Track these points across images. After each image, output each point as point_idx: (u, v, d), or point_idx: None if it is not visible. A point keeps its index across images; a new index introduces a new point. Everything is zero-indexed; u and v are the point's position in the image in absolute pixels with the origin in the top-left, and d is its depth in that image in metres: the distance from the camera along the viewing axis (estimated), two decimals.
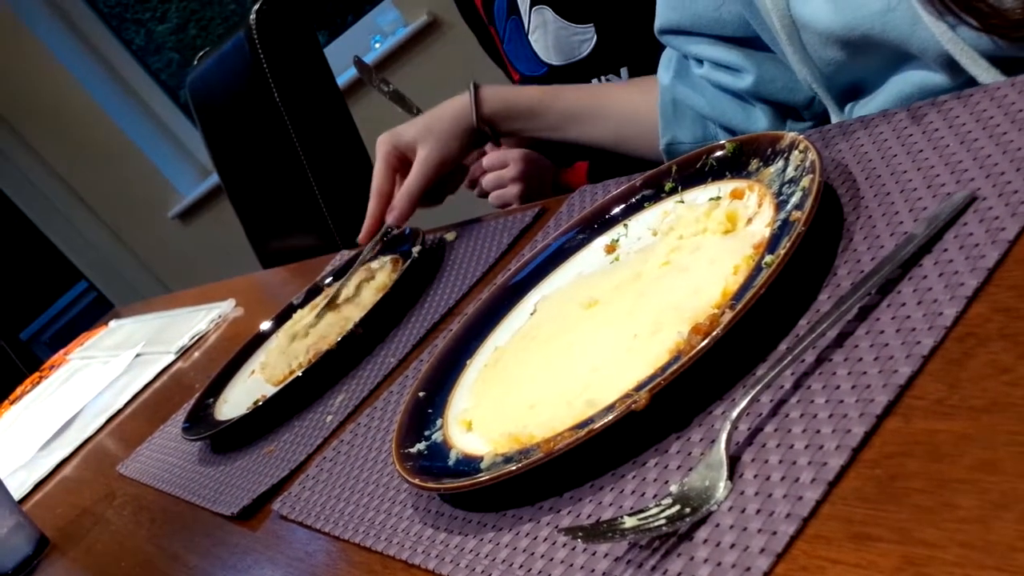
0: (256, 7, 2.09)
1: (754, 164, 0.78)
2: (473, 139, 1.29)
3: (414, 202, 1.26)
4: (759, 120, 1.07)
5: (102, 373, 1.98)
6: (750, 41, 1.05)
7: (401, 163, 1.29)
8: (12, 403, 2.33)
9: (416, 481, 0.71)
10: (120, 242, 4.56)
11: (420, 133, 1.28)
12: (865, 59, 0.84)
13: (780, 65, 1.03)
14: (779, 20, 0.88)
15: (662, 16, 1.13)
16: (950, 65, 0.76)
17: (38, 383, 2.34)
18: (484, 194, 1.71)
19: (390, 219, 1.26)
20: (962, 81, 0.77)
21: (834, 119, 0.96)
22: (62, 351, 2.55)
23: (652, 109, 1.19)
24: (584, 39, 1.54)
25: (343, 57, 3.75)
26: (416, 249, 1.22)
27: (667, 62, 1.16)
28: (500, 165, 1.66)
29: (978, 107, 0.68)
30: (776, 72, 1.05)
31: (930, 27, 0.73)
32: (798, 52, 0.90)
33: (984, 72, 0.73)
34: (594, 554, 0.57)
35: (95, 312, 4.30)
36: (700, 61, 1.11)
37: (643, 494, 0.59)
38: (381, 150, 1.30)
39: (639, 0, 1.30)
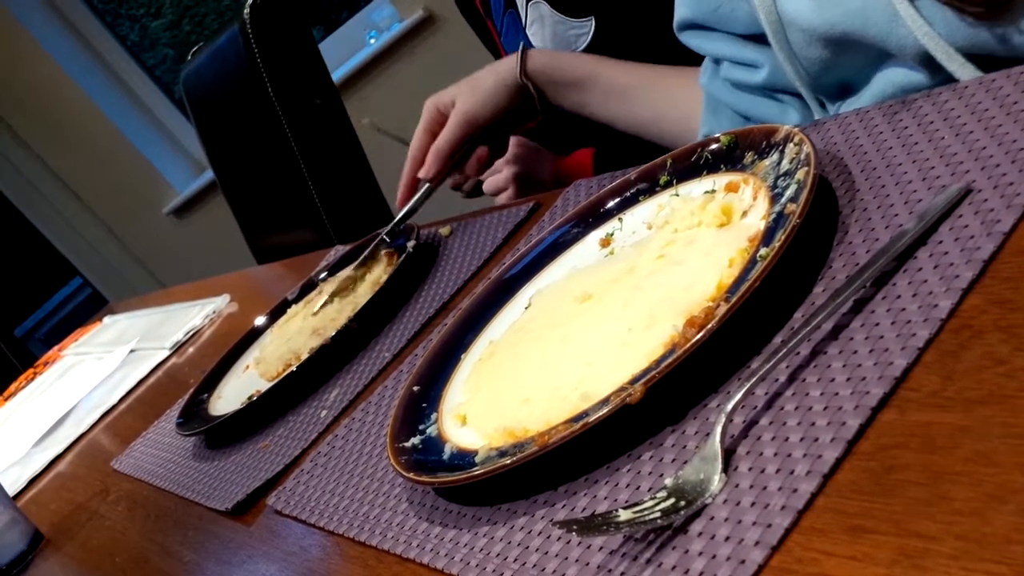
0: (250, 2, 2.09)
1: (749, 157, 0.78)
2: (516, 101, 1.26)
3: (443, 157, 1.24)
4: (791, 113, 1.06)
5: (96, 369, 1.97)
6: (762, 36, 1.05)
7: (439, 124, 1.27)
8: (7, 399, 2.32)
9: (410, 475, 0.71)
10: (115, 238, 4.55)
11: (460, 89, 1.27)
12: (848, 58, 0.84)
13: None
14: (766, 16, 0.88)
15: (678, 14, 1.13)
16: (928, 63, 0.76)
17: (32, 379, 2.34)
18: (471, 193, 1.72)
19: (420, 173, 1.25)
20: (940, 80, 0.76)
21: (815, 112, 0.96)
22: (56, 347, 2.54)
23: (691, 97, 1.18)
24: (581, 33, 1.54)
25: (338, 52, 3.77)
26: (411, 244, 1.21)
27: (704, 66, 1.16)
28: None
29: (973, 99, 0.68)
30: None
31: (907, 22, 0.72)
32: (783, 50, 0.90)
33: (960, 68, 0.73)
34: (589, 547, 0.57)
35: (90, 308, 4.29)
36: (718, 61, 1.11)
37: (638, 487, 0.59)
38: (424, 114, 1.28)
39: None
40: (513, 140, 1.64)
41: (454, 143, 1.25)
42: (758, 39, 1.04)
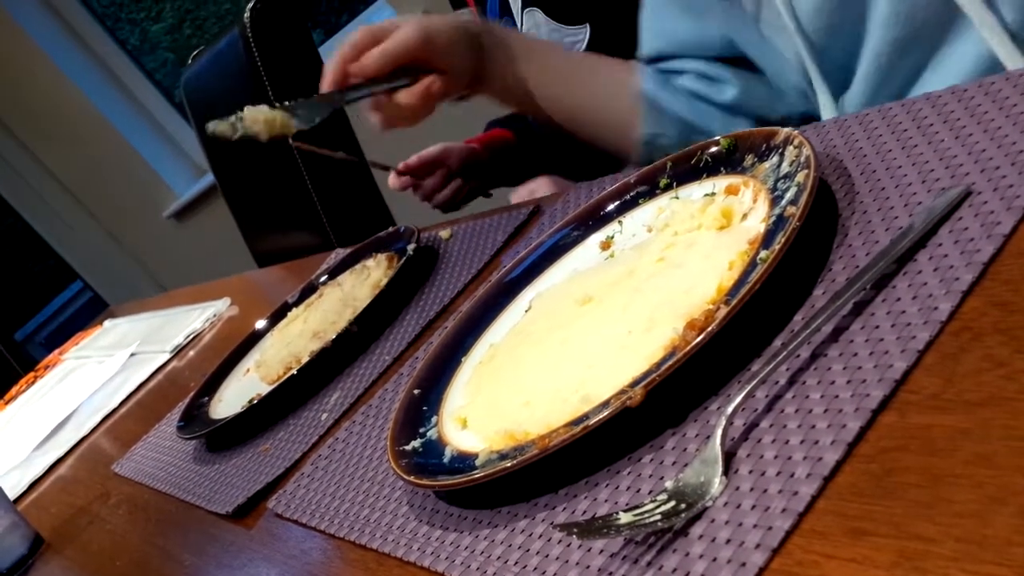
0: (250, 6, 2.09)
1: (749, 160, 0.78)
2: (463, 46, 1.11)
3: (339, 62, 1.08)
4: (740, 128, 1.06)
5: (97, 372, 1.98)
6: (734, 60, 1.05)
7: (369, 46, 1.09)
8: (7, 403, 2.32)
9: (411, 479, 0.71)
10: (115, 242, 4.55)
11: (415, 19, 1.10)
12: (854, 28, 0.84)
13: (763, 81, 1.04)
14: None
15: (647, 45, 1.14)
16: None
17: (33, 383, 2.34)
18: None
19: (323, 84, 1.10)
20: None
21: (824, 106, 0.96)
22: (57, 351, 2.54)
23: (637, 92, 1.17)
24: (576, 40, 1.54)
25: None
26: (411, 247, 1.21)
27: (646, 73, 1.16)
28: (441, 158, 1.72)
29: (972, 101, 0.68)
30: (759, 88, 1.05)
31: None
32: (792, 21, 0.89)
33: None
34: (589, 551, 0.57)
35: (90, 312, 4.30)
36: (680, 72, 1.11)
37: (638, 490, 0.59)
38: (358, 35, 1.09)
39: (630, 1, 1.29)
40: (437, 152, 1.71)
41: (357, 49, 1.08)
42: (730, 61, 1.05)
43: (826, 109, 0.96)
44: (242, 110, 1.04)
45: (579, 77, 1.21)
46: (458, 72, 1.11)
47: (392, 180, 1.84)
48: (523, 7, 1.60)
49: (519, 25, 1.63)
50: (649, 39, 1.13)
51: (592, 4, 1.51)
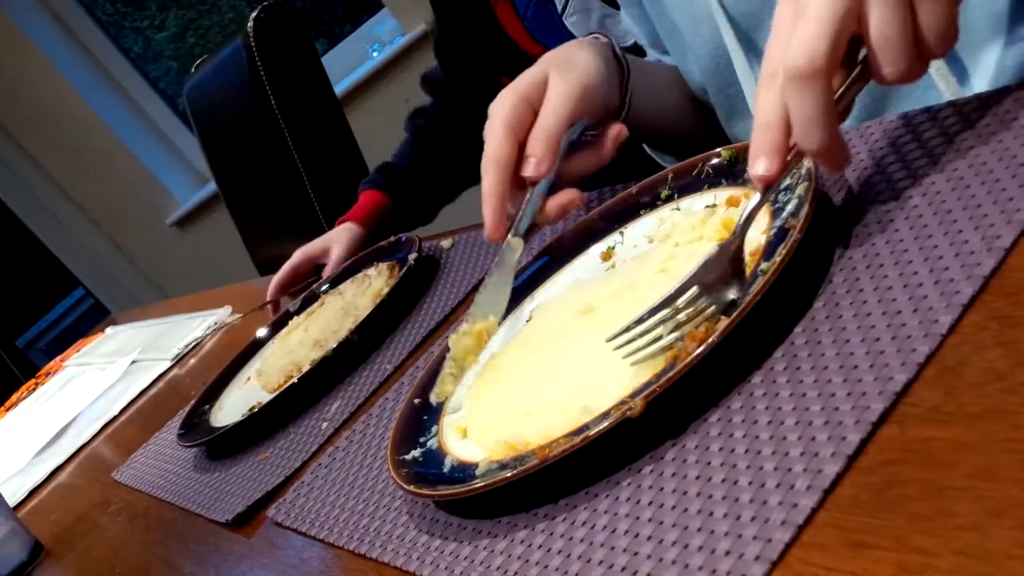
0: (254, 15, 2.10)
1: None
2: (612, 82, 0.96)
3: (555, 140, 0.87)
4: None
5: (98, 380, 1.98)
6: None
7: (530, 122, 0.90)
8: (8, 409, 2.32)
9: (411, 488, 0.71)
10: (117, 249, 4.56)
11: (550, 63, 0.92)
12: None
13: None
14: None
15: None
16: None
17: (34, 389, 2.34)
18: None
19: (530, 171, 0.87)
20: None
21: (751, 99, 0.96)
22: (58, 358, 2.55)
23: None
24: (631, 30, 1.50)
25: (341, 66, 3.78)
26: (412, 256, 1.22)
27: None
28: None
29: (974, 115, 0.68)
30: None
31: None
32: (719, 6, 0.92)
33: None
34: (588, 561, 0.57)
35: (92, 319, 4.30)
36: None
37: (638, 501, 0.59)
38: (499, 109, 0.89)
39: None
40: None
41: (567, 121, 0.89)
42: None
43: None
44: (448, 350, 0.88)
45: (658, 75, 1.16)
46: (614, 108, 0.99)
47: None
48: None
49: (561, 6, 1.53)
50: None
51: None
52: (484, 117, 0.91)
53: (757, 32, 0.98)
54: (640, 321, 0.66)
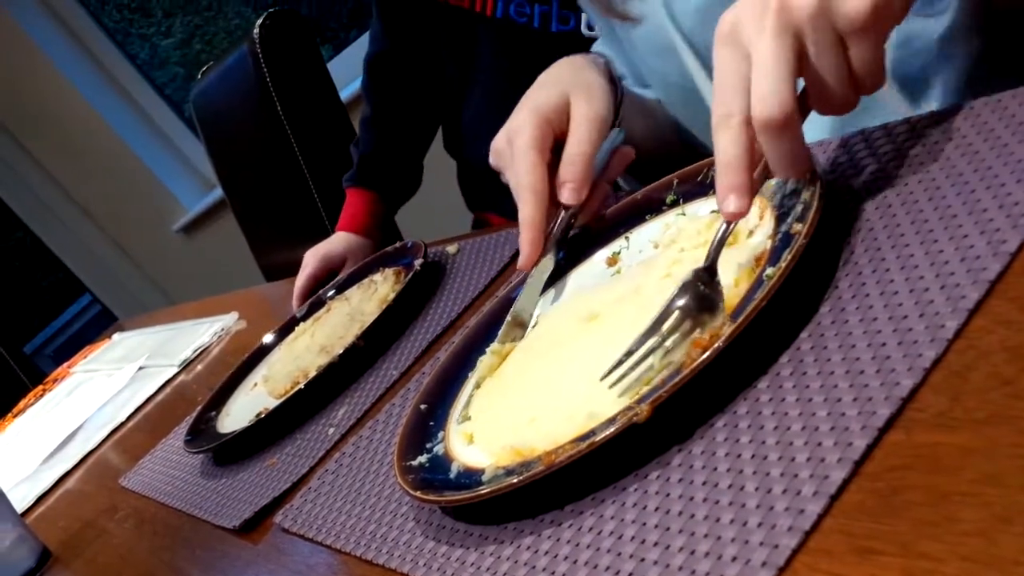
0: (260, 22, 2.10)
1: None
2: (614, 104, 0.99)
3: (591, 165, 0.89)
4: None
5: (105, 386, 1.98)
6: None
7: (552, 144, 0.93)
8: (15, 416, 2.33)
9: (418, 494, 0.71)
10: (124, 255, 4.56)
11: (567, 84, 0.94)
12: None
13: None
14: None
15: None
16: None
17: (41, 396, 2.34)
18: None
19: (569, 198, 0.89)
20: None
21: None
22: (66, 364, 2.55)
23: None
24: None
25: (347, 71, 3.78)
26: (418, 262, 1.22)
27: None
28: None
29: (979, 119, 0.68)
30: None
31: None
32: (677, 34, 0.95)
33: None
34: (595, 567, 0.57)
35: (99, 325, 4.31)
36: None
37: (644, 507, 0.59)
38: (522, 132, 0.91)
39: None
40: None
41: (598, 145, 0.91)
42: None
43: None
44: None
45: (646, 102, 1.18)
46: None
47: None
48: None
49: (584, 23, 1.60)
50: None
51: None
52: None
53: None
54: (629, 354, 0.67)
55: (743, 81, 0.65)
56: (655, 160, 1.20)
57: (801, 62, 0.64)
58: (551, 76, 0.98)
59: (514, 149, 0.92)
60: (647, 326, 0.66)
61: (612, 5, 1.04)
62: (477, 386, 0.84)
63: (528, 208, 0.89)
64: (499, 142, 0.96)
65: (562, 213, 0.91)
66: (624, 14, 1.04)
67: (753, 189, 0.67)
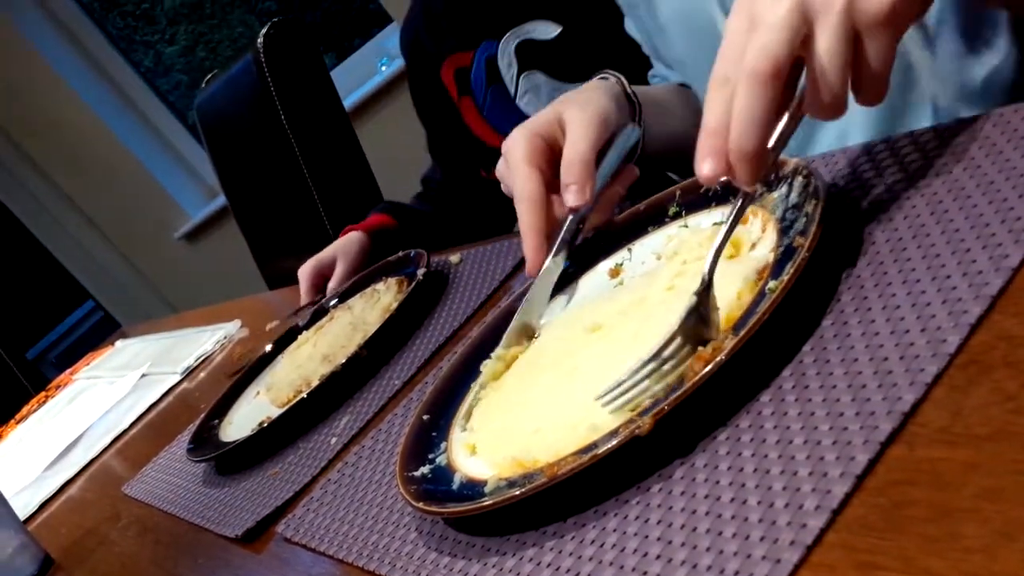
0: (264, 31, 2.11)
1: (757, 189, 0.78)
2: (625, 117, 1.01)
3: (591, 165, 0.89)
4: None
5: (108, 393, 1.98)
6: None
7: (549, 157, 0.93)
8: (18, 422, 2.33)
9: (420, 505, 0.71)
10: (127, 262, 4.57)
11: (561, 102, 0.96)
12: None
13: None
14: None
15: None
16: None
17: (44, 402, 2.34)
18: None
19: (573, 200, 0.88)
20: None
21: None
22: (68, 371, 2.55)
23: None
24: None
25: (350, 80, 3.79)
26: (421, 271, 1.22)
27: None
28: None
29: (981, 133, 0.69)
30: None
31: None
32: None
33: None
34: None
35: (102, 331, 4.31)
36: None
37: (647, 520, 0.59)
38: (518, 149, 0.92)
39: (630, 58, 1.29)
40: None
41: (597, 146, 0.91)
42: None
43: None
44: None
45: (668, 101, 1.20)
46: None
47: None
48: (520, 72, 1.62)
49: (514, 92, 1.65)
50: None
51: (593, 61, 1.50)
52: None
53: None
54: (629, 377, 0.66)
55: (744, 46, 0.64)
56: (674, 163, 1.23)
57: (806, 44, 0.63)
58: (554, 101, 0.98)
59: (509, 165, 0.93)
60: (649, 354, 0.66)
61: None
62: (481, 389, 0.85)
63: (527, 216, 0.90)
64: (500, 167, 0.98)
65: (569, 217, 0.91)
66: None
67: (763, 160, 0.65)
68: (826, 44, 0.62)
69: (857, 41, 0.62)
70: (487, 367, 0.86)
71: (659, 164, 1.25)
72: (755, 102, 0.63)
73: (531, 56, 1.61)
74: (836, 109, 0.64)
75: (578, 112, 0.92)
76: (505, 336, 0.88)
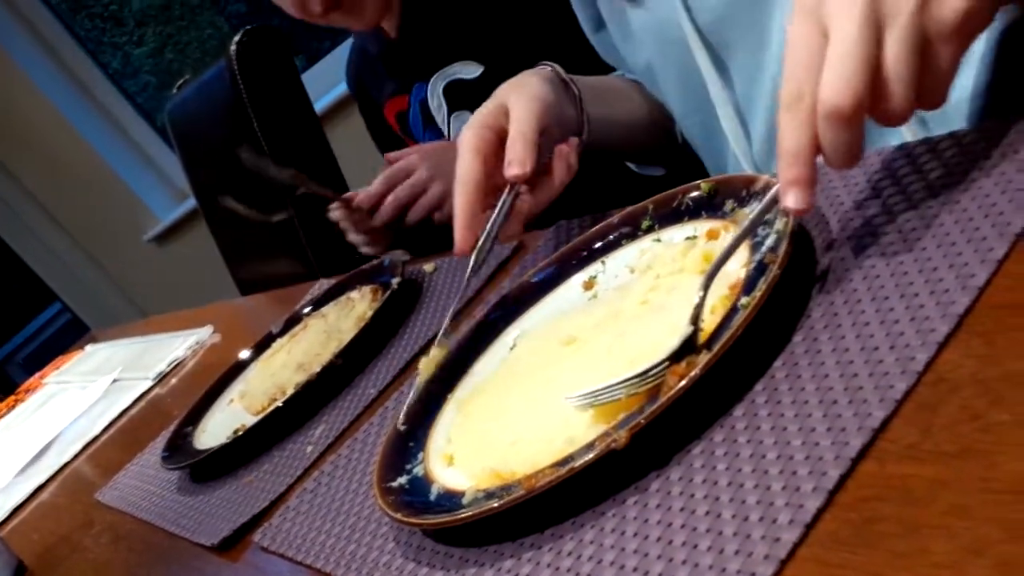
0: (236, 39, 2.11)
1: (729, 205, 0.79)
2: (564, 100, 1.05)
3: (532, 142, 0.93)
4: None
5: (79, 398, 1.97)
6: None
7: (496, 147, 0.96)
8: None
9: (398, 516, 0.72)
10: (95, 264, 4.54)
11: (503, 91, 1.00)
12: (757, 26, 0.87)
13: None
14: None
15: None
16: None
17: (14, 407, 2.33)
18: (394, 224, 1.57)
19: (514, 171, 0.92)
20: None
21: (725, 118, 1.03)
22: (38, 375, 2.54)
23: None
24: None
25: (321, 83, 3.78)
26: (395, 280, 1.23)
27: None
28: (406, 173, 1.56)
29: (946, 153, 0.70)
30: None
31: None
32: (688, 22, 0.98)
33: None
34: None
35: (70, 333, 4.28)
36: None
37: (623, 532, 0.60)
38: (464, 142, 0.96)
39: None
40: (419, 152, 1.57)
41: (538, 122, 0.95)
42: None
43: (728, 120, 1.02)
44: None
45: (623, 90, 1.24)
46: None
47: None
48: (449, 113, 1.65)
49: (447, 132, 1.68)
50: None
51: None
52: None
53: (728, 52, 1.01)
54: (607, 388, 0.67)
55: (816, 58, 0.61)
56: (638, 150, 1.28)
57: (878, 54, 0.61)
58: (496, 91, 1.02)
59: (458, 155, 0.96)
60: (640, 369, 0.66)
61: None
62: (429, 385, 0.89)
63: (459, 197, 0.93)
64: (463, 133, 1.00)
65: (504, 194, 0.94)
66: None
67: (815, 183, 0.63)
68: (895, 52, 0.59)
69: (925, 46, 0.60)
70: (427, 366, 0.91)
71: (617, 155, 1.28)
72: (842, 138, 0.61)
73: (459, 96, 1.64)
74: (902, 117, 0.62)
75: (520, 98, 0.97)
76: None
